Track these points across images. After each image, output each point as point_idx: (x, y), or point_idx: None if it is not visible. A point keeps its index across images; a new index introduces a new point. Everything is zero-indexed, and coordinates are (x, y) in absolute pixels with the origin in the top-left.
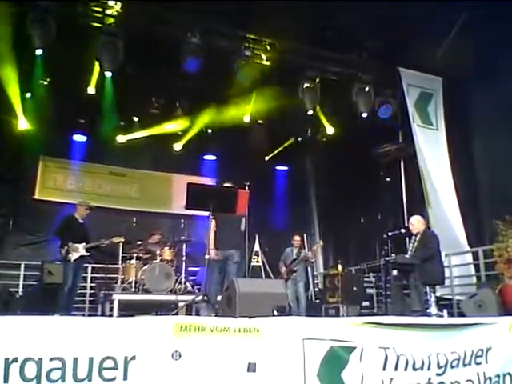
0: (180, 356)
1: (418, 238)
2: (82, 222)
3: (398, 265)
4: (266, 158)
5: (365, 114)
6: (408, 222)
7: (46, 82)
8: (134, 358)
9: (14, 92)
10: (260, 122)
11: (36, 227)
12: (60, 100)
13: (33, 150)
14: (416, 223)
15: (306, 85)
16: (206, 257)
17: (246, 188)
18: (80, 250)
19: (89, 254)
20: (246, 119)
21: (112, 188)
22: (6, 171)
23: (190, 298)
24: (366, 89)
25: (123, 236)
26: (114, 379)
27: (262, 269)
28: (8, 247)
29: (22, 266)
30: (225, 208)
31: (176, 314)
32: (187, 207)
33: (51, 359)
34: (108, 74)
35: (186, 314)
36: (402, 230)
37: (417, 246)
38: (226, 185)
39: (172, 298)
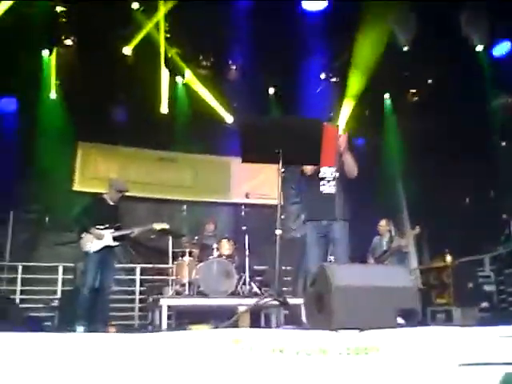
0: None
1: None
2: (112, 204)
3: None
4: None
5: (480, 48)
6: None
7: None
8: None
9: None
10: (334, 80)
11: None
12: (94, 73)
13: (69, 135)
14: None
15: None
16: (277, 232)
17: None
18: (105, 238)
19: (117, 244)
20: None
21: (162, 176)
22: (40, 160)
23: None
24: (479, 16)
25: (169, 225)
26: None
27: None
28: (43, 247)
29: (60, 268)
30: (302, 155)
31: (236, 322)
32: (244, 159)
33: None
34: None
35: (252, 325)
36: None
37: None
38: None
39: (234, 302)
